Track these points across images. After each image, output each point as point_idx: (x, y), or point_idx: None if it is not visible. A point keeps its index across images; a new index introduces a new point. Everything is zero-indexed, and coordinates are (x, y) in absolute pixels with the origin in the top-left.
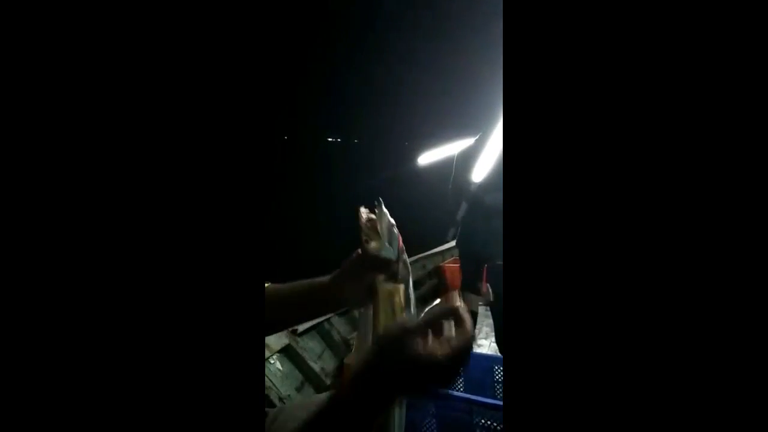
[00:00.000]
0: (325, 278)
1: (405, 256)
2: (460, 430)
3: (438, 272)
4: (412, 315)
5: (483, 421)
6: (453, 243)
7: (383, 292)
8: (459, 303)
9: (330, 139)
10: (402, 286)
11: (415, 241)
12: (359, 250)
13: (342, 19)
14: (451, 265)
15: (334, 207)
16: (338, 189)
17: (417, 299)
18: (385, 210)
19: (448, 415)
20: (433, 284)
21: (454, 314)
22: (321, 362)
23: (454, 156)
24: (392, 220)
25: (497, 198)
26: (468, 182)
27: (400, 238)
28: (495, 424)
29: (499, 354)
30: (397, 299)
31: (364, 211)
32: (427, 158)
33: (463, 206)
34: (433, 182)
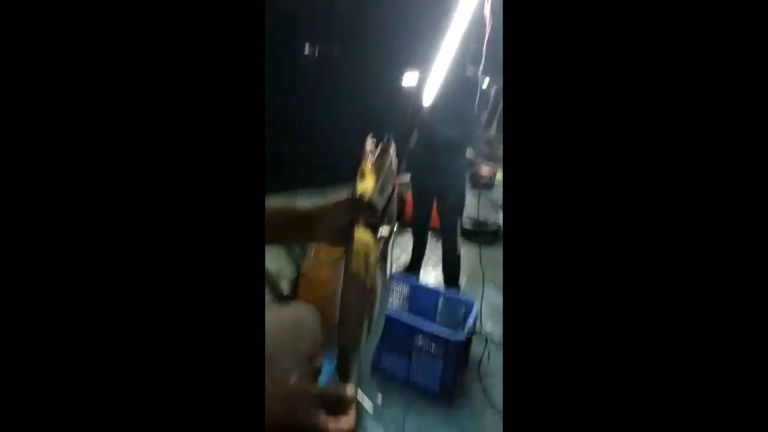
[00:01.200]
0: (309, 206)
1: (394, 206)
2: (401, 346)
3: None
4: (388, 270)
5: (421, 344)
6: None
7: (359, 244)
8: None
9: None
10: (380, 241)
11: None
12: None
13: None
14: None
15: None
16: (322, 109)
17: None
18: (392, 150)
19: (392, 335)
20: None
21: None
22: (275, 263)
23: (412, 85)
24: (395, 162)
25: (446, 131)
26: (420, 110)
27: (396, 186)
28: (431, 348)
29: (443, 284)
30: (372, 254)
31: (370, 143)
32: (409, 80)
33: (415, 134)
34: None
